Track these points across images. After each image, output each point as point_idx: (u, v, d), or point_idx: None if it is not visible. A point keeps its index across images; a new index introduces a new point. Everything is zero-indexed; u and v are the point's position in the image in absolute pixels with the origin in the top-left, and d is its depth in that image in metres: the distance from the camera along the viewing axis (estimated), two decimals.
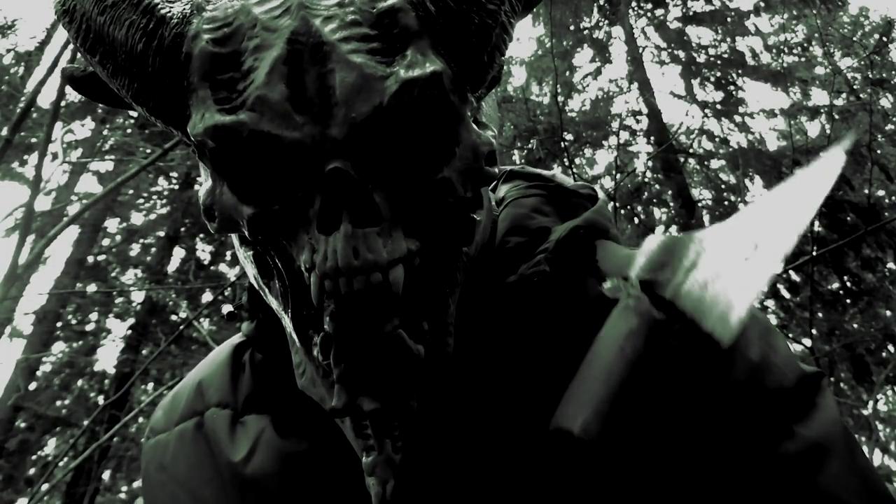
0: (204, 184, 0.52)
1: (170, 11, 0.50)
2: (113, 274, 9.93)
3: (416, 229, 0.48)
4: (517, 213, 0.67)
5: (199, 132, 0.46)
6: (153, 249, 10.06)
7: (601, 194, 0.71)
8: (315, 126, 0.45)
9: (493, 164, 0.52)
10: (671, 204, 8.43)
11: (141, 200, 9.92)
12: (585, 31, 9.17)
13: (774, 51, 9.40)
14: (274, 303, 0.54)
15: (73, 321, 9.75)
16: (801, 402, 0.54)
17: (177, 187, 9.81)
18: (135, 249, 10.23)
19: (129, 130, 7.85)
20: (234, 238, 0.57)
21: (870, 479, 0.51)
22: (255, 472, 0.59)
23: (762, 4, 8.92)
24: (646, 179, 8.34)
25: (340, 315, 0.45)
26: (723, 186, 8.98)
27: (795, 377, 0.55)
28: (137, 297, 9.45)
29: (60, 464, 5.61)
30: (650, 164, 8.21)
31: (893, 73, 7.31)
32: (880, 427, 6.98)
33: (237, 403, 0.65)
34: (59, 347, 9.48)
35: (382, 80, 0.45)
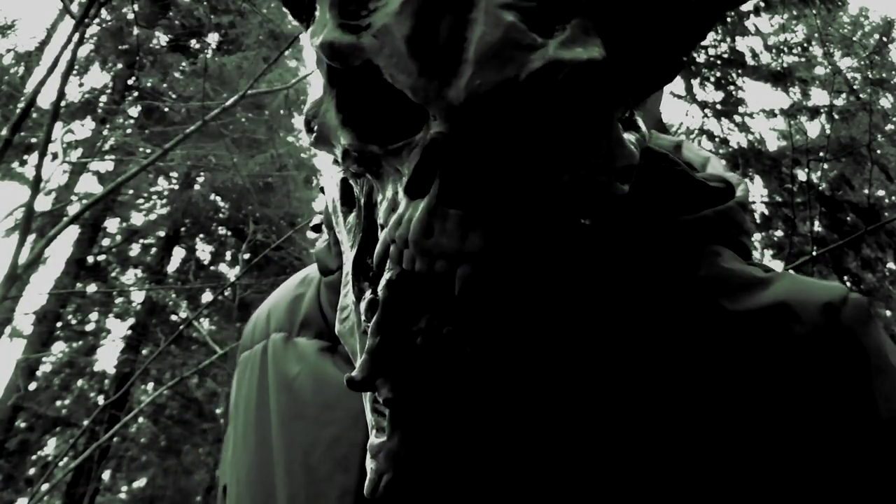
0: (316, 91, 0.47)
1: None
2: (113, 274, 9.96)
3: (507, 226, 0.41)
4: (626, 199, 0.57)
5: (316, 43, 0.41)
6: (153, 249, 10.09)
7: (741, 192, 0.58)
8: (433, 80, 0.37)
9: (626, 181, 0.43)
10: None
11: (141, 200, 9.93)
12: None
13: (774, 51, 9.40)
14: (343, 234, 0.50)
15: (73, 321, 9.77)
16: None
17: (177, 187, 9.82)
18: (135, 249, 10.26)
19: (129, 130, 7.85)
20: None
21: None
22: (298, 393, 0.58)
23: (762, 4, 8.92)
24: None
25: (393, 289, 0.41)
26: None
27: None
28: (137, 297, 9.47)
29: (60, 464, 5.62)
30: None
31: (893, 73, 7.31)
32: None
33: (292, 326, 0.64)
34: (59, 347, 9.52)
35: (528, 52, 0.36)
